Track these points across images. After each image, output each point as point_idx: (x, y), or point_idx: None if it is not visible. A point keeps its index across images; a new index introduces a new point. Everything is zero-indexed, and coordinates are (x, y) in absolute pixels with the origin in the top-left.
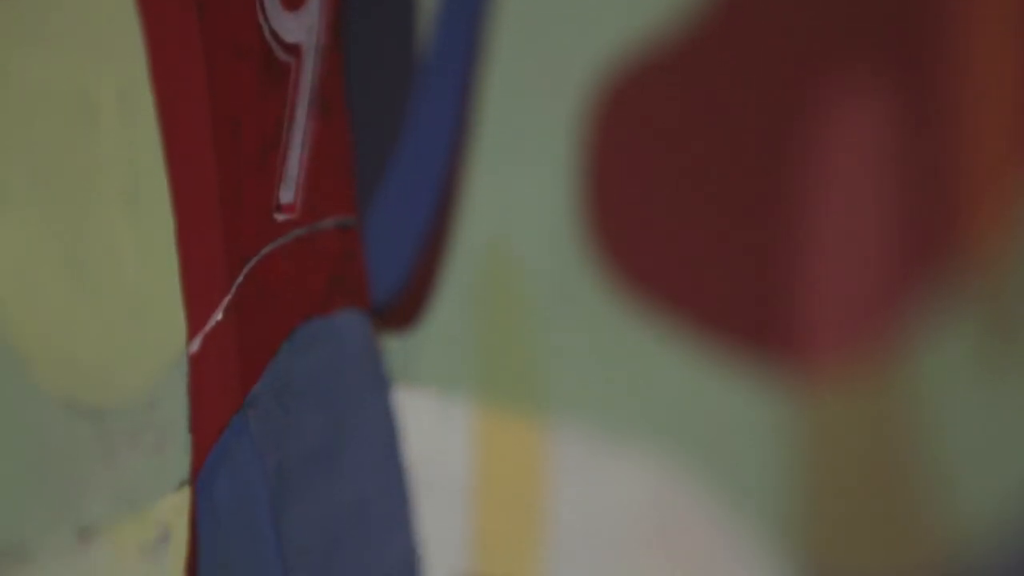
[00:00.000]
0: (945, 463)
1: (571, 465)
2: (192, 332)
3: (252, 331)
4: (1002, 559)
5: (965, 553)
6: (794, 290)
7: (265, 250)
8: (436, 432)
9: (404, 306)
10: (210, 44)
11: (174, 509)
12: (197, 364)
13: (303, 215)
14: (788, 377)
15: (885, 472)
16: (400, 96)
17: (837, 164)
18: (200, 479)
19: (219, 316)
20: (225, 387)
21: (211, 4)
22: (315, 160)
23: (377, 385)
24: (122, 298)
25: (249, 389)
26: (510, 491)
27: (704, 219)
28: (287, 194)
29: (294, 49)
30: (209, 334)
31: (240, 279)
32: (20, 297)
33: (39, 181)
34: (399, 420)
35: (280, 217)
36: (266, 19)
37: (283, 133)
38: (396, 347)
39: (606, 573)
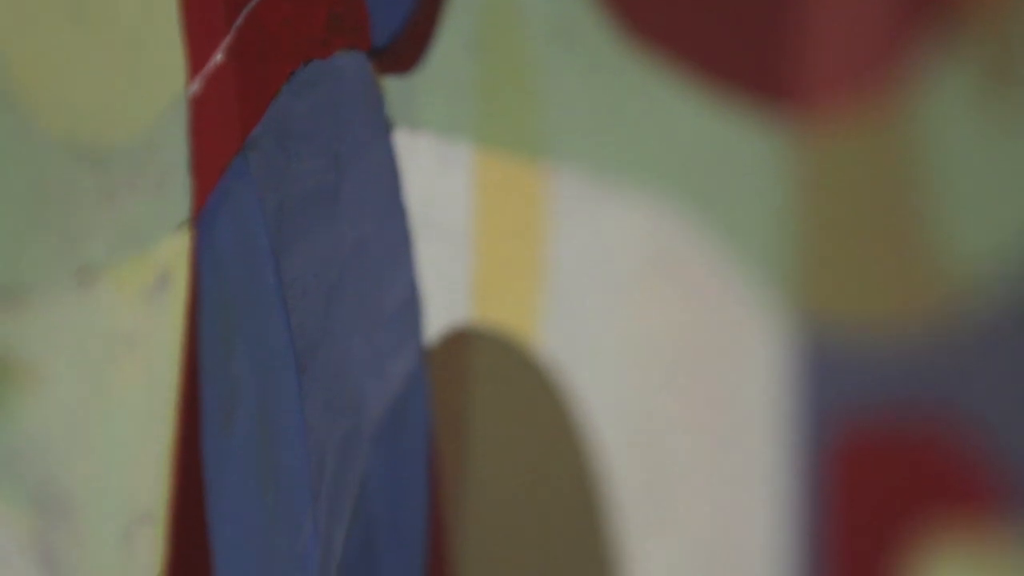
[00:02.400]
0: (944, 208)
1: (570, 209)
2: (192, 73)
3: (252, 74)
4: (999, 305)
5: (962, 299)
6: (796, 33)
7: None
8: (436, 176)
9: (404, 48)
10: None
11: (174, 251)
12: (197, 105)
13: None
14: (789, 121)
15: (884, 217)
16: None
17: None
18: (200, 221)
19: (219, 57)
20: (225, 129)
21: None
22: None
23: (377, 127)
24: (121, 37)
25: (249, 132)
26: (509, 236)
27: None
28: None
29: None
30: (209, 75)
31: (239, 21)
32: (17, 37)
33: None
34: (399, 163)
35: None
36: None
37: None
38: (396, 90)
39: (605, 317)
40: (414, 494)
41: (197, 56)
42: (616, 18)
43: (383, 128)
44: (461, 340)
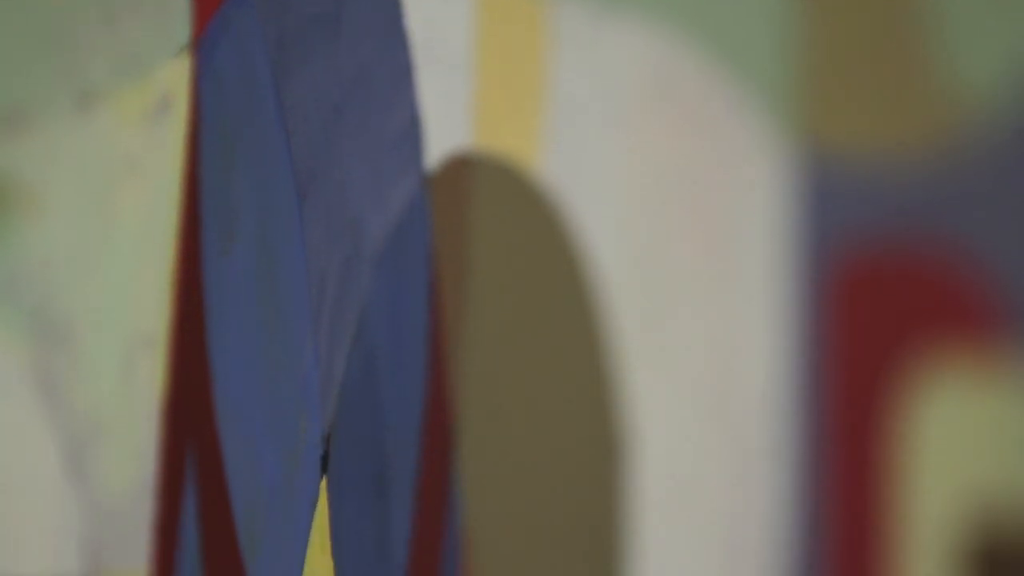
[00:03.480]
0: (948, 33)
1: (572, 34)
2: None
3: None
4: (1002, 132)
5: (965, 126)
6: None
7: None
8: (437, 1)
9: None
10: None
11: (175, 75)
12: None
13: None
14: None
15: (887, 42)
16: None
17: None
18: (201, 45)
19: None
20: None
21: None
22: None
23: None
24: None
25: None
26: (511, 61)
27: None
28: None
29: None
30: None
31: None
32: None
33: None
34: None
35: None
36: None
37: None
38: None
39: (606, 142)
40: (415, 319)
41: None
42: None
43: None
44: (462, 165)
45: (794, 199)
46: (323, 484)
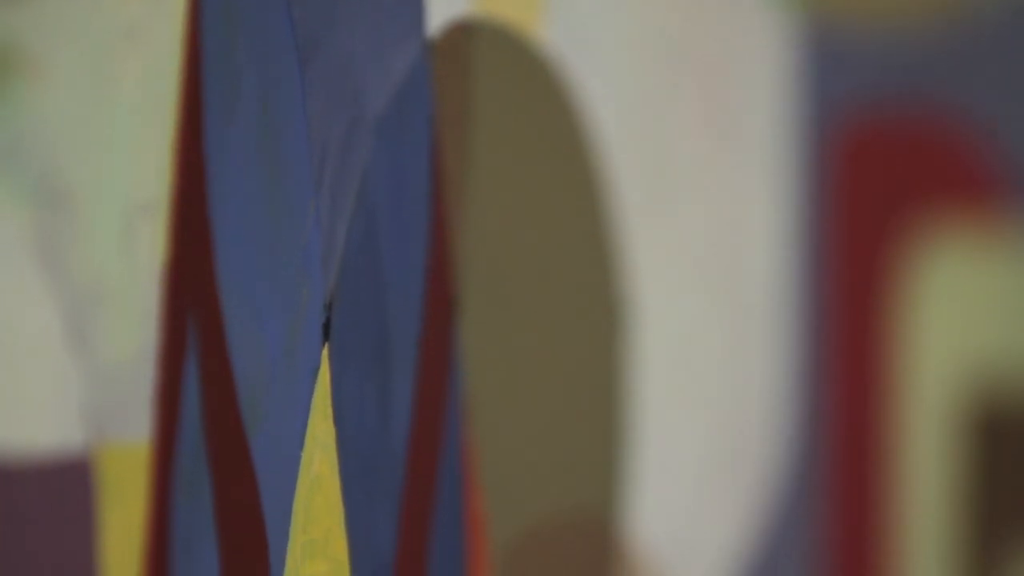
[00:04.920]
0: None
1: None
2: None
3: None
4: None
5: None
6: None
7: None
8: None
9: None
10: None
11: None
12: None
13: None
14: None
15: None
16: None
17: None
18: None
19: None
20: None
21: None
22: None
23: None
24: None
25: None
26: None
27: None
28: None
29: None
30: None
31: None
32: None
33: None
34: None
35: None
36: None
37: None
38: None
39: (607, 9)
40: (416, 186)
41: None
42: None
43: None
44: (464, 32)
45: (797, 69)
46: (325, 352)
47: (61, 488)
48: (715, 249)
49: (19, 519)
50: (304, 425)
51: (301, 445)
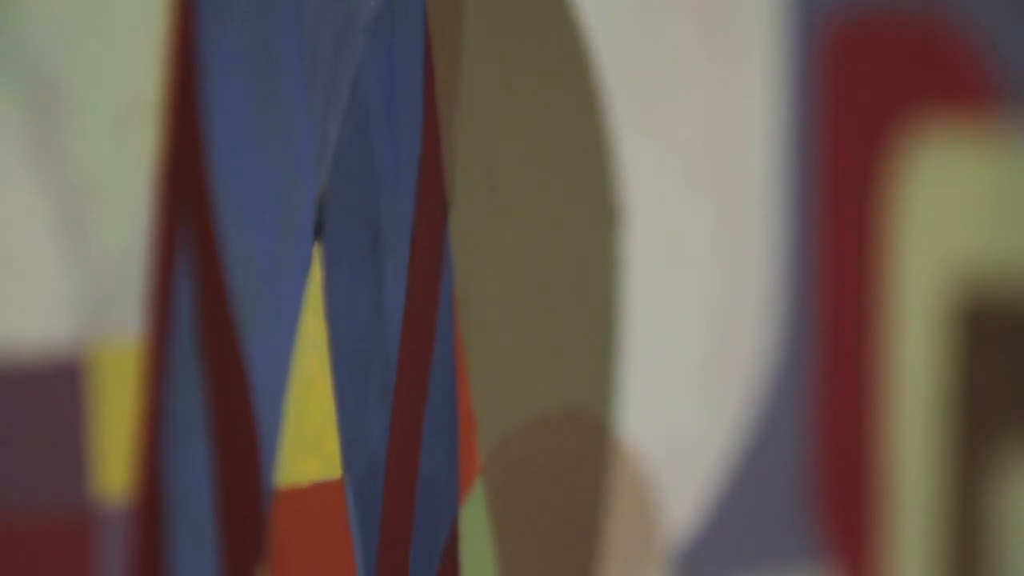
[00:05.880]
0: None
1: None
2: None
3: None
4: None
5: None
6: None
7: None
8: None
9: None
10: None
11: None
12: None
13: None
14: None
15: None
16: None
17: None
18: None
19: None
20: None
21: None
22: None
23: None
24: None
25: None
26: None
27: None
28: None
29: None
30: None
31: None
32: None
33: None
34: None
35: None
36: None
37: None
38: None
39: None
40: (409, 84)
41: None
42: None
43: None
44: None
45: None
46: (317, 250)
47: (53, 384)
48: (705, 150)
49: (10, 416)
50: (296, 323)
51: (293, 343)
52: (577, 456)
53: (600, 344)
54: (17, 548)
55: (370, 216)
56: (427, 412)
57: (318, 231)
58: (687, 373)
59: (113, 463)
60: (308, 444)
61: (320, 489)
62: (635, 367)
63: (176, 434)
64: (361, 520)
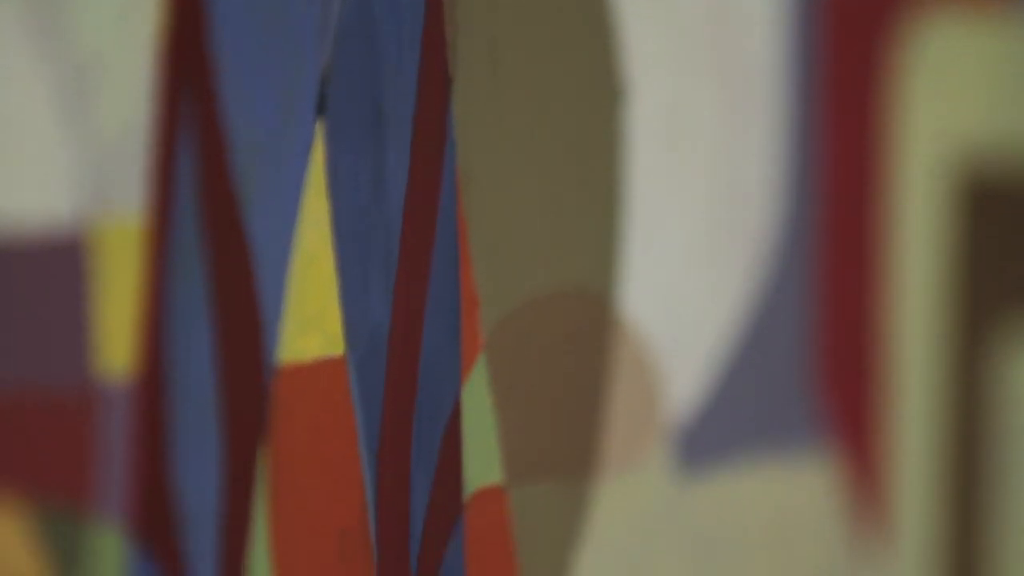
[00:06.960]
0: None
1: None
2: None
3: None
4: None
5: None
6: None
7: None
8: None
9: None
10: None
11: None
12: None
13: None
14: None
15: None
16: None
17: None
18: None
19: None
20: None
21: None
22: None
23: None
24: None
25: None
26: None
27: None
28: None
29: None
30: None
31: None
32: None
33: None
34: None
35: None
36: None
37: None
38: None
39: None
40: None
41: None
42: None
43: None
44: None
45: None
46: (319, 127)
47: (55, 260)
48: (708, 29)
49: (12, 292)
50: (298, 200)
51: (295, 220)
52: (579, 334)
53: (602, 222)
54: (20, 424)
55: (372, 93)
56: (430, 289)
57: (320, 108)
58: (690, 252)
59: (115, 340)
60: (310, 321)
61: (322, 365)
62: (637, 246)
63: (178, 311)
64: (363, 396)
